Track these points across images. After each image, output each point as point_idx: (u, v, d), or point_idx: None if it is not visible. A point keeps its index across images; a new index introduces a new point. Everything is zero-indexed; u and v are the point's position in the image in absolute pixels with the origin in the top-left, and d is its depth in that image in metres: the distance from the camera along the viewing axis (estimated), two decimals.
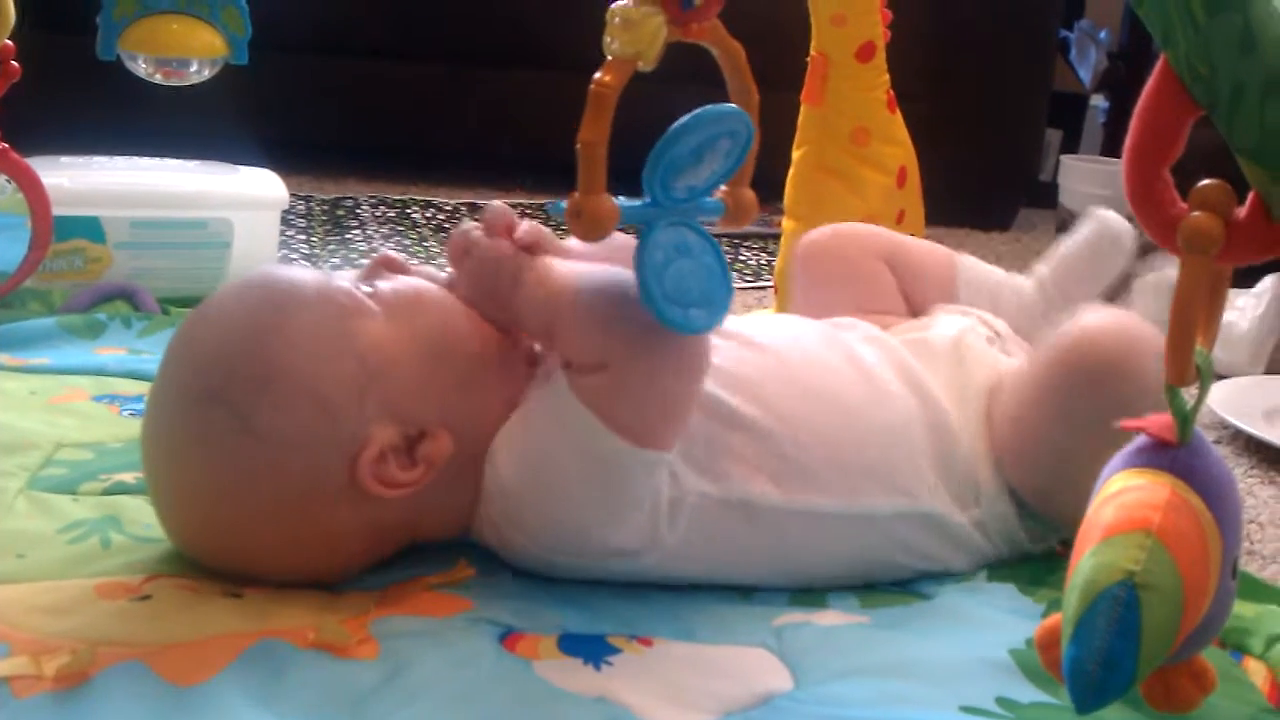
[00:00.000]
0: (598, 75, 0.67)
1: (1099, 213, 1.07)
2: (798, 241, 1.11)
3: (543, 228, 0.83)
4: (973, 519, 0.86)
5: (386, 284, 0.81)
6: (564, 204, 0.68)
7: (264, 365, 0.74)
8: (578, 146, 0.67)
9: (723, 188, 0.74)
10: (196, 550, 0.78)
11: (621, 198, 0.69)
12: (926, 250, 1.09)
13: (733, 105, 0.71)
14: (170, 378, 0.77)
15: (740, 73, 0.74)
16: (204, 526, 0.77)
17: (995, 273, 1.08)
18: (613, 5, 0.69)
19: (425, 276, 0.83)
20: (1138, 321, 0.83)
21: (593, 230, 0.68)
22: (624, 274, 0.72)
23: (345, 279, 0.80)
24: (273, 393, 0.74)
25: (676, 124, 0.67)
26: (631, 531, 0.77)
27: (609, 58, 0.68)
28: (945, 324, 0.97)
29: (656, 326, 0.71)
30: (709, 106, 0.69)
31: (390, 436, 0.75)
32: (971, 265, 1.08)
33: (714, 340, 0.82)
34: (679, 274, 0.70)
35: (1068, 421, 0.82)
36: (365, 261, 1.73)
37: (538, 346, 0.83)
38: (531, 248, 0.81)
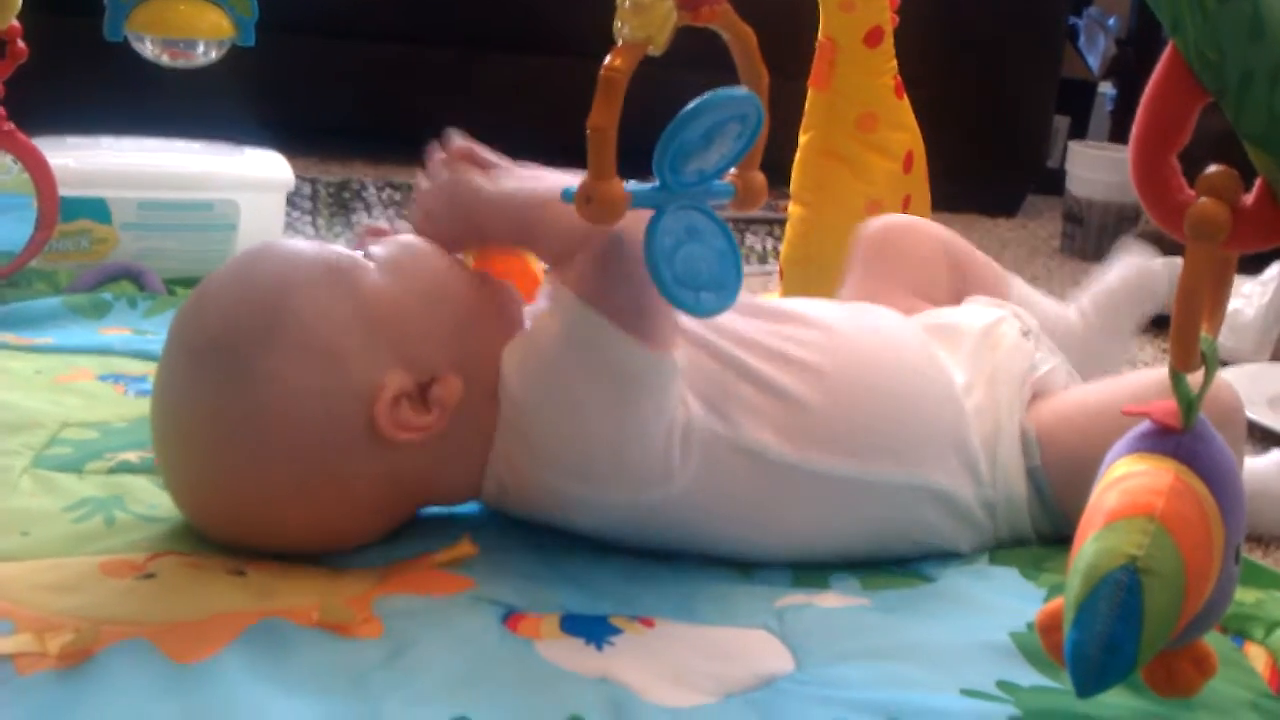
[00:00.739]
0: (608, 60, 0.67)
1: (1135, 258, 1.11)
2: (868, 222, 1.11)
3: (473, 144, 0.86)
4: (983, 498, 0.86)
5: (377, 246, 0.82)
6: (574, 189, 0.68)
7: (270, 316, 0.76)
8: (587, 131, 0.67)
9: (732, 171, 0.74)
10: (207, 516, 0.78)
11: (631, 182, 0.69)
12: (985, 262, 1.11)
13: (742, 89, 0.71)
14: (176, 339, 0.79)
15: (750, 57, 0.74)
16: (215, 487, 0.77)
17: (1043, 298, 1.09)
18: None
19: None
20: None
21: (604, 215, 0.68)
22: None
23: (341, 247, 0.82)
24: (281, 343, 0.75)
25: (686, 108, 0.67)
26: (645, 452, 0.77)
27: (619, 42, 0.68)
28: (978, 312, 0.98)
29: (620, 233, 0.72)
30: (719, 90, 0.68)
31: (403, 382, 0.76)
32: (1021, 285, 1.10)
33: (733, 314, 0.83)
34: (689, 257, 0.70)
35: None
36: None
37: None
38: (469, 158, 0.84)
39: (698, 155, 0.70)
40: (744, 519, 0.82)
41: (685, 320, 0.79)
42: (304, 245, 0.82)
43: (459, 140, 0.85)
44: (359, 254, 0.81)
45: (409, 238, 0.84)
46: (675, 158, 0.69)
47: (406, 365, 0.77)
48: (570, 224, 0.71)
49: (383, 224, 0.86)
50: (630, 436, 0.77)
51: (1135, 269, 1.10)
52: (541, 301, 0.81)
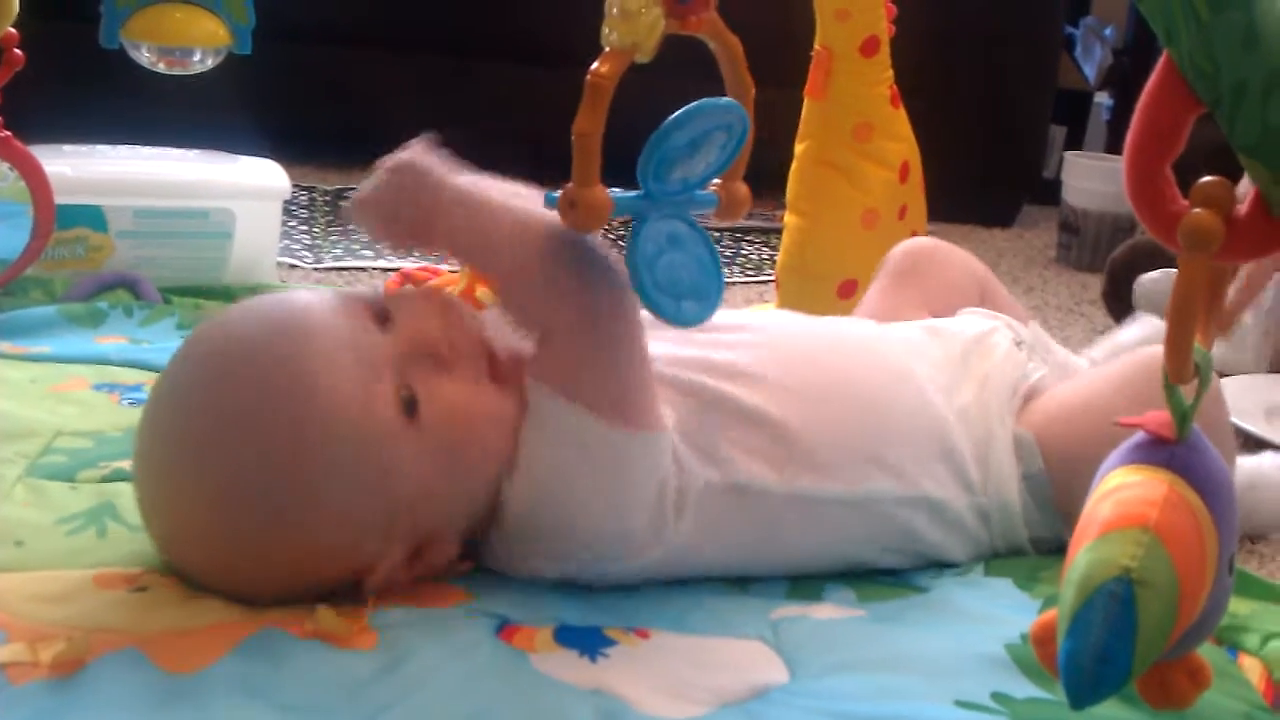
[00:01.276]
0: (594, 66, 0.68)
1: (1155, 318, 1.14)
2: (901, 243, 1.12)
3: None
4: (975, 506, 0.86)
5: (432, 400, 0.74)
6: (556, 195, 0.68)
7: (287, 488, 0.70)
8: (573, 137, 0.67)
9: (716, 181, 0.74)
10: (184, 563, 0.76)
11: (615, 189, 0.69)
12: (1008, 298, 1.13)
13: (729, 99, 0.71)
14: (187, 449, 0.73)
15: (737, 67, 0.74)
16: (200, 573, 0.74)
17: (1057, 346, 1.09)
18: None
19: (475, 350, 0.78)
20: None
21: (588, 222, 0.68)
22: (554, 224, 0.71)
23: (387, 377, 0.73)
24: (291, 527, 0.71)
25: (672, 117, 0.68)
26: (640, 523, 0.76)
27: (606, 49, 0.68)
28: (971, 321, 0.99)
29: (594, 296, 0.72)
30: (705, 100, 0.69)
31: (400, 555, 0.74)
32: (1039, 329, 1.07)
33: (713, 333, 0.83)
34: (670, 265, 0.71)
35: (1134, 400, 0.83)
36: (368, 253, 1.73)
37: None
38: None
39: (682, 164, 0.70)
40: (740, 549, 0.81)
41: (656, 360, 0.78)
42: (342, 385, 0.71)
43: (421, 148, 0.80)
44: (401, 405, 0.73)
45: (466, 401, 0.75)
46: (659, 165, 0.69)
47: (410, 537, 0.74)
48: (529, 242, 0.73)
49: (440, 336, 0.77)
50: (628, 516, 0.76)
51: (1154, 329, 1.11)
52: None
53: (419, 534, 0.75)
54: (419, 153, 0.79)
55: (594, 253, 0.74)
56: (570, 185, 0.68)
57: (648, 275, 0.70)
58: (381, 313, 0.76)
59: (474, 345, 0.78)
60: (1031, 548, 0.88)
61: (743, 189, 0.74)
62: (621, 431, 0.74)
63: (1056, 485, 0.87)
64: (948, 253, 1.12)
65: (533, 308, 0.76)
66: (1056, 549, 0.87)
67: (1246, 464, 1.05)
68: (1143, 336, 1.12)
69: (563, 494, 0.75)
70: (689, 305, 0.71)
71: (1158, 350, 0.87)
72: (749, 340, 0.86)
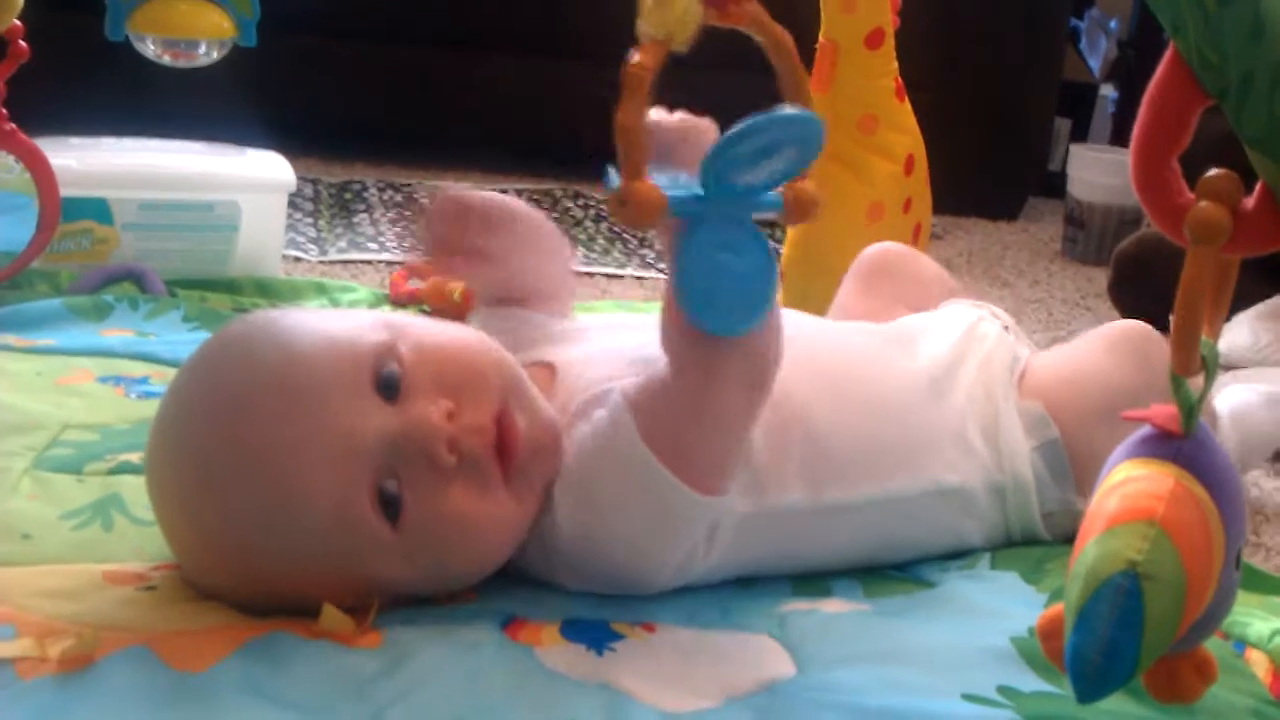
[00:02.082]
0: (632, 58, 0.65)
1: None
2: (868, 250, 1.12)
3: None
4: (991, 484, 0.87)
5: (420, 504, 0.70)
6: (615, 180, 0.65)
7: (274, 553, 0.69)
8: (616, 131, 0.64)
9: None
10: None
11: (667, 181, 0.66)
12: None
13: (810, 114, 0.67)
14: (180, 505, 0.73)
15: (787, 60, 0.70)
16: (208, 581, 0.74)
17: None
18: None
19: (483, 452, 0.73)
20: None
21: (639, 219, 0.65)
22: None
23: (372, 474, 0.69)
24: (277, 569, 0.70)
25: (746, 123, 0.65)
26: (678, 564, 0.76)
27: (641, 40, 0.66)
28: (958, 312, 1.00)
29: (724, 357, 0.70)
30: (786, 110, 0.67)
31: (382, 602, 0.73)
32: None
33: None
34: (721, 271, 0.67)
35: (1121, 359, 0.92)
36: (373, 245, 1.73)
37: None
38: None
39: (747, 169, 0.66)
40: (760, 560, 0.81)
41: None
42: (323, 491, 0.68)
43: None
44: (380, 507, 0.69)
45: (451, 504, 0.71)
46: (724, 168, 0.66)
47: (385, 600, 0.73)
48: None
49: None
50: (668, 561, 0.76)
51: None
52: (600, 413, 0.74)
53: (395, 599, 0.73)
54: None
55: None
56: (620, 182, 0.65)
57: (697, 280, 0.67)
58: (389, 379, 0.71)
59: (485, 441, 0.72)
60: (1043, 524, 0.88)
61: (810, 189, 0.70)
62: (694, 495, 0.72)
63: (1071, 447, 0.88)
64: (915, 254, 1.14)
65: (667, 344, 0.72)
66: (1068, 532, 0.87)
67: (1225, 398, 1.09)
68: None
69: (615, 532, 0.74)
70: (737, 315, 0.68)
71: (1123, 322, 0.98)
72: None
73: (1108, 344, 0.94)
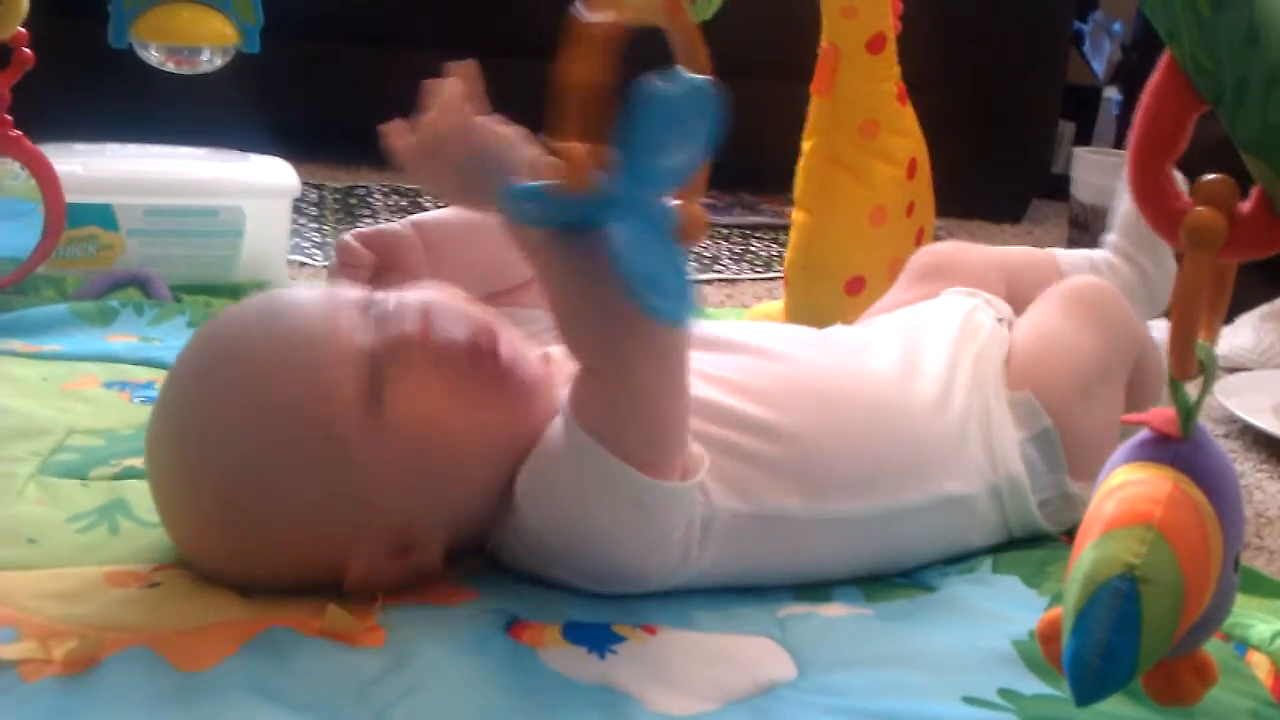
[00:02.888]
0: (586, 15, 0.64)
1: None
2: (916, 255, 1.13)
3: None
4: (989, 485, 0.87)
5: (402, 393, 0.73)
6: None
7: (258, 496, 0.72)
8: (560, 84, 0.63)
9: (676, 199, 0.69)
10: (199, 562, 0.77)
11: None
12: (1027, 257, 1.15)
13: (705, 80, 0.66)
14: (177, 454, 0.75)
15: (684, 25, 0.70)
16: (207, 566, 0.76)
17: (1090, 253, 1.14)
18: None
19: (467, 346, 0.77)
20: None
21: (571, 178, 0.64)
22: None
23: (355, 366, 0.73)
24: (265, 516, 0.73)
25: (647, 94, 0.63)
26: (663, 559, 0.76)
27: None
28: (953, 303, 1.00)
29: (640, 338, 0.69)
30: (692, 77, 0.65)
31: (381, 548, 0.74)
32: (1067, 253, 1.16)
33: (728, 355, 0.84)
34: (667, 257, 0.66)
35: (1082, 324, 0.94)
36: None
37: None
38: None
39: (662, 151, 0.65)
40: (761, 568, 0.81)
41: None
42: (314, 386, 0.72)
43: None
44: (364, 395, 0.72)
45: (440, 398, 0.74)
46: (640, 150, 0.64)
47: (392, 529, 0.74)
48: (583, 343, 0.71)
49: (421, 329, 0.77)
50: (649, 553, 0.76)
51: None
52: (557, 419, 0.75)
53: (390, 530, 0.74)
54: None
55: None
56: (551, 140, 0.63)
57: (646, 268, 0.65)
58: (372, 304, 0.77)
59: (463, 347, 0.76)
60: (1040, 515, 0.88)
61: (699, 211, 0.70)
62: (658, 482, 0.72)
63: (1061, 430, 0.89)
64: (962, 249, 1.13)
65: (578, 344, 0.72)
66: (1065, 518, 0.89)
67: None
68: None
69: (592, 529, 0.74)
70: (685, 299, 0.67)
71: (1078, 280, 1.01)
72: (762, 364, 0.85)
73: (1075, 312, 0.96)
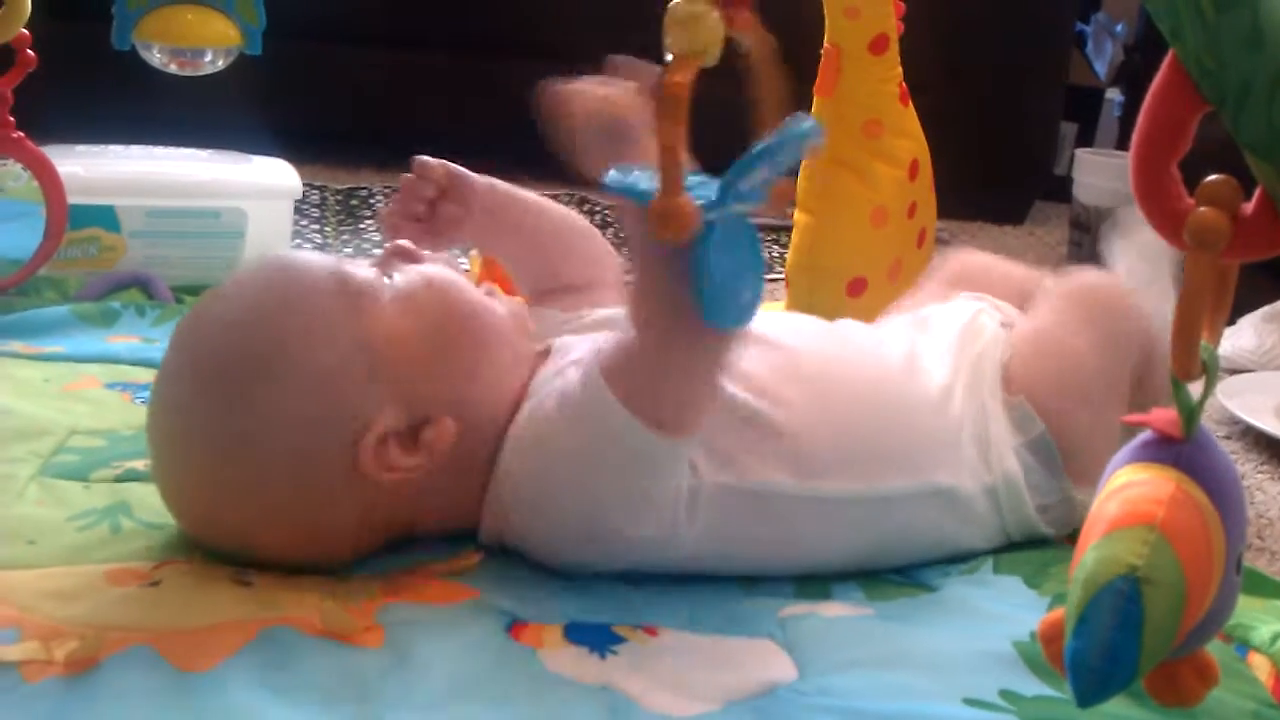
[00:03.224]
0: (666, 76, 0.65)
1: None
2: (949, 260, 1.13)
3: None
4: (984, 486, 0.87)
5: (399, 273, 0.82)
6: (624, 180, 0.68)
7: (267, 344, 0.76)
8: (659, 150, 0.65)
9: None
10: (195, 525, 0.79)
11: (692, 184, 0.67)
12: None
13: (815, 125, 0.69)
14: (177, 354, 0.79)
15: (770, 67, 0.71)
16: (204, 501, 0.77)
17: None
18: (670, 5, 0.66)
19: (441, 263, 0.84)
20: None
21: (679, 233, 0.66)
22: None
23: (359, 265, 0.81)
24: (278, 371, 0.75)
25: (768, 141, 0.67)
26: (651, 522, 0.77)
27: (669, 57, 0.66)
28: (960, 306, 1.00)
29: (694, 328, 0.70)
30: (801, 126, 0.68)
31: (393, 420, 0.76)
32: None
33: None
34: (743, 274, 0.70)
35: (1082, 326, 0.92)
36: (379, 251, 1.73)
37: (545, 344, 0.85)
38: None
39: (752, 174, 0.68)
40: (753, 549, 0.82)
41: None
42: (315, 265, 0.80)
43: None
44: (377, 276, 0.80)
45: (432, 270, 0.83)
46: (738, 178, 0.67)
47: (402, 403, 0.76)
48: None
49: (410, 244, 0.86)
50: (637, 514, 0.76)
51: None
52: (571, 372, 0.78)
53: (407, 401, 0.76)
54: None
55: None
56: (658, 198, 0.65)
57: (723, 283, 0.68)
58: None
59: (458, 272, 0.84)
60: (1041, 520, 0.88)
61: (787, 185, 0.73)
62: (659, 436, 0.73)
63: (1060, 436, 0.89)
64: (993, 263, 1.12)
65: (637, 309, 0.74)
66: (1068, 523, 0.88)
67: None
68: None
69: (583, 477, 0.75)
70: (750, 311, 0.71)
71: (1088, 276, 0.98)
72: (759, 348, 0.85)
73: (1076, 315, 0.94)
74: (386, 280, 0.81)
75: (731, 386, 0.81)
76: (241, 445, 0.75)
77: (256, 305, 0.78)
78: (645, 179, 0.67)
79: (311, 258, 0.82)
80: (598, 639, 0.72)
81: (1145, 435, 0.60)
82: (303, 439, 0.75)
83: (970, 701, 0.68)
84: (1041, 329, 0.95)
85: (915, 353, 0.92)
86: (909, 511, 0.84)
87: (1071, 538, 0.77)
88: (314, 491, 0.75)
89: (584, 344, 0.83)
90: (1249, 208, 0.57)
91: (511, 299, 0.87)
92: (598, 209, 2.08)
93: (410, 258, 0.84)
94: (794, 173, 0.73)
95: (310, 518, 0.76)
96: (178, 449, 0.78)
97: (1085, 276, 0.99)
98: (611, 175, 0.69)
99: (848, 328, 0.98)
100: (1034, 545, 0.89)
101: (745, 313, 0.71)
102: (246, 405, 0.75)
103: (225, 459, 0.75)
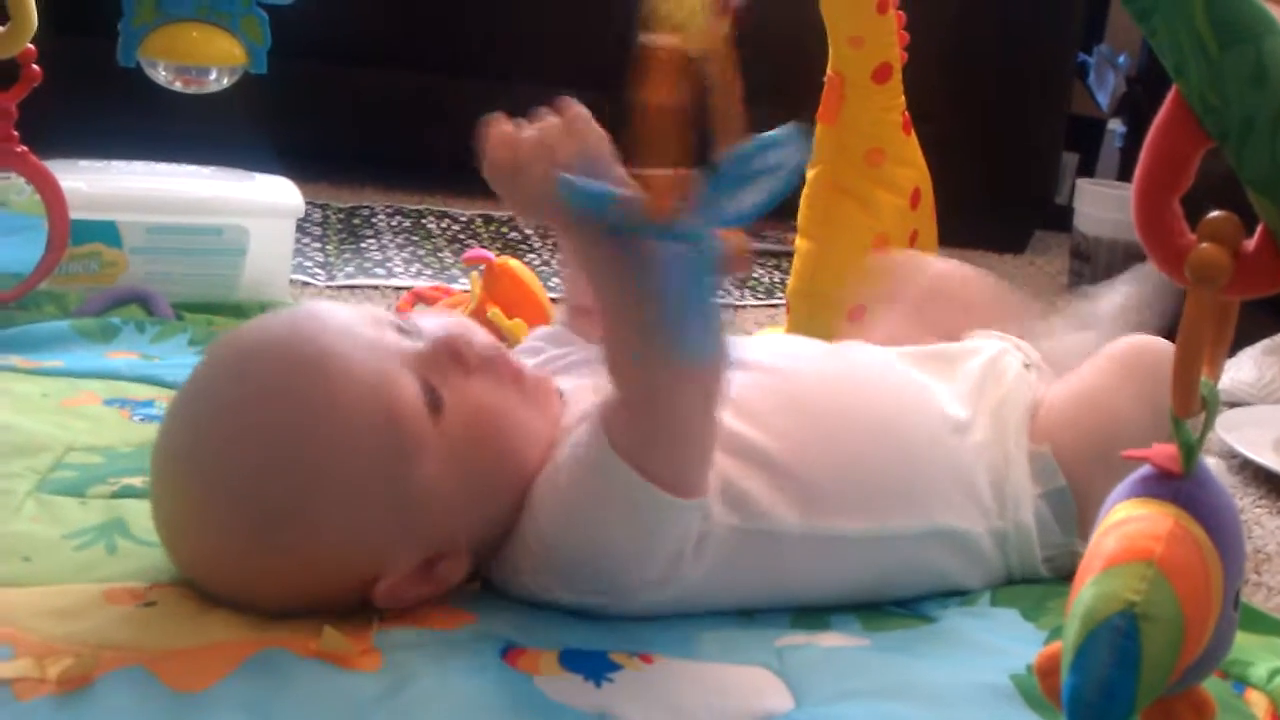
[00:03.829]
0: (656, 42, 0.64)
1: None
2: (929, 261, 1.13)
3: None
4: (994, 531, 0.86)
5: (458, 400, 0.76)
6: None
7: (302, 488, 0.72)
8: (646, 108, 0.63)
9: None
10: (188, 572, 0.77)
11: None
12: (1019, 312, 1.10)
13: (797, 133, 0.67)
14: (211, 453, 0.74)
15: (728, 75, 0.70)
16: (215, 581, 0.75)
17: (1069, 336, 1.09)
18: None
19: (498, 359, 0.80)
20: None
21: (657, 207, 0.64)
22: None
23: (405, 373, 0.75)
24: (304, 519, 0.72)
25: (747, 147, 0.65)
26: (661, 571, 0.76)
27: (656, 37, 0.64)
28: (981, 345, 0.98)
29: (672, 369, 0.68)
30: (779, 131, 0.66)
31: (411, 564, 0.75)
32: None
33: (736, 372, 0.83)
34: (710, 305, 0.66)
35: (1129, 389, 0.88)
36: (381, 271, 1.73)
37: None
38: None
39: (733, 196, 0.66)
40: (752, 586, 0.81)
41: None
42: (360, 377, 0.73)
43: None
44: (428, 401, 0.74)
45: (483, 391, 0.77)
46: (717, 195, 0.65)
47: (424, 546, 0.75)
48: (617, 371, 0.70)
49: (465, 339, 0.79)
50: (651, 565, 0.76)
51: (1125, 294, 1.10)
52: (581, 431, 0.75)
53: (431, 543, 0.75)
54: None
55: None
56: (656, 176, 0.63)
57: (691, 314, 0.65)
58: (405, 328, 0.79)
59: (498, 352, 0.81)
60: (1044, 568, 0.88)
61: (744, 241, 0.69)
62: (674, 499, 0.72)
63: (1079, 495, 0.87)
64: (966, 278, 1.12)
65: (615, 366, 0.71)
66: (1068, 572, 0.87)
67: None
68: (1117, 306, 1.10)
69: (595, 538, 0.75)
70: (716, 342, 0.67)
71: (1141, 338, 0.93)
72: (762, 379, 0.85)
73: (1119, 375, 0.90)
74: (443, 401, 0.75)
75: (734, 421, 0.80)
76: (261, 577, 0.73)
77: (294, 426, 0.72)
78: (604, 186, 0.65)
79: (355, 351, 0.74)
80: (593, 666, 0.72)
81: (1144, 470, 0.60)
82: (320, 578, 0.73)
83: None
84: (1086, 384, 0.92)
85: (929, 387, 0.91)
86: (914, 551, 0.84)
87: (1069, 574, 0.77)
88: (324, 600, 0.74)
89: (586, 393, 0.82)
90: (1251, 244, 0.57)
91: (539, 376, 0.83)
92: None
93: (460, 362, 0.78)
94: (783, 203, 0.70)
95: (319, 599, 0.74)
96: (189, 545, 0.76)
97: (1135, 339, 0.95)
98: (564, 181, 0.65)
99: (858, 353, 0.95)
100: (1032, 580, 0.88)
101: (714, 339, 0.67)
102: (270, 545, 0.72)
103: (244, 586, 0.74)
